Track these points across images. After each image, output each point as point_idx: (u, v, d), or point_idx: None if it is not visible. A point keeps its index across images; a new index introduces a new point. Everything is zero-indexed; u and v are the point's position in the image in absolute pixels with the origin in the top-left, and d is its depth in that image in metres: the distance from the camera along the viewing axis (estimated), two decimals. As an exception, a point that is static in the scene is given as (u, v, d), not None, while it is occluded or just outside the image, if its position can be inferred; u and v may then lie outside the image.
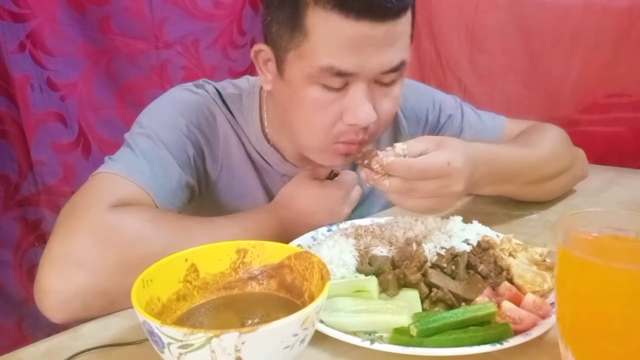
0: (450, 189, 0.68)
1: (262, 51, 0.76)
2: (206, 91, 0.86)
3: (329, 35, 0.67)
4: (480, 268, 0.65)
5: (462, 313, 0.56)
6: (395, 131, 0.98)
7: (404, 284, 0.62)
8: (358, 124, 0.71)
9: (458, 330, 0.55)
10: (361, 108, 0.70)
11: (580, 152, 1.03)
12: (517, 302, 0.59)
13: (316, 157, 0.80)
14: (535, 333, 0.54)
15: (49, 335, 0.60)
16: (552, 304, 0.58)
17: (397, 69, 0.71)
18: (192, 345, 0.40)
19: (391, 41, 0.68)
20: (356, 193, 0.86)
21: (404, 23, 0.69)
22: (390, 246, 0.71)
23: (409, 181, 0.66)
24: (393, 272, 0.63)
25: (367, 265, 0.67)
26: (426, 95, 1.01)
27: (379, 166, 0.67)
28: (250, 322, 0.51)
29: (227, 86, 0.89)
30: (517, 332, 0.54)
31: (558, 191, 0.98)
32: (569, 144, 0.98)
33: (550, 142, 0.91)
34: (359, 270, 0.66)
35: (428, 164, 0.66)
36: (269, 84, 0.78)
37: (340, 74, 0.68)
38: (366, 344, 0.52)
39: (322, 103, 0.71)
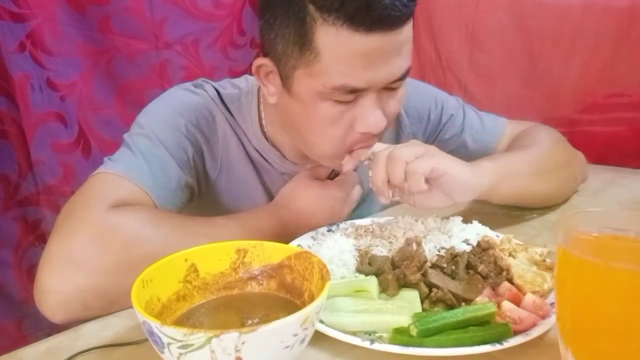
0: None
1: (264, 65, 0.75)
2: (205, 91, 0.86)
3: (341, 54, 0.66)
4: (480, 268, 0.65)
5: (462, 313, 0.56)
6: (397, 129, 0.98)
7: (403, 284, 0.62)
8: (370, 132, 0.73)
9: (458, 330, 0.55)
10: (372, 116, 0.71)
11: (580, 155, 1.03)
12: (517, 302, 0.59)
13: (330, 164, 0.81)
14: (535, 333, 0.54)
15: (49, 335, 0.60)
16: (552, 304, 0.58)
17: (404, 77, 0.72)
18: (192, 345, 0.40)
19: (398, 50, 0.69)
20: (356, 193, 0.86)
21: (409, 29, 0.70)
22: (390, 246, 0.71)
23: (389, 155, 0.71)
24: (393, 272, 0.63)
25: (367, 265, 0.67)
26: (429, 95, 1.01)
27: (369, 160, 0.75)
28: (250, 322, 0.51)
29: (226, 86, 0.89)
30: (517, 332, 0.54)
31: (560, 190, 0.98)
32: (565, 143, 0.99)
33: (546, 139, 0.93)
34: (358, 270, 0.66)
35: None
36: (273, 96, 0.77)
37: (352, 91, 0.69)
38: (366, 344, 0.52)
39: (334, 117, 0.72)
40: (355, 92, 0.70)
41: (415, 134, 0.99)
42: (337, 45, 0.66)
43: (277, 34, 0.70)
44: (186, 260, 0.54)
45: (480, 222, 0.77)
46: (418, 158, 0.70)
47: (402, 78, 0.72)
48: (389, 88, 0.73)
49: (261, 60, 0.75)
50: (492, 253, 0.68)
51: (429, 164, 0.70)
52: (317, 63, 0.67)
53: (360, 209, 0.91)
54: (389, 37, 0.66)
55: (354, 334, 0.55)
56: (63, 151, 1.41)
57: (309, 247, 0.72)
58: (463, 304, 0.60)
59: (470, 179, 0.74)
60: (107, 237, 0.63)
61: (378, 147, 0.75)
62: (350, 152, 0.76)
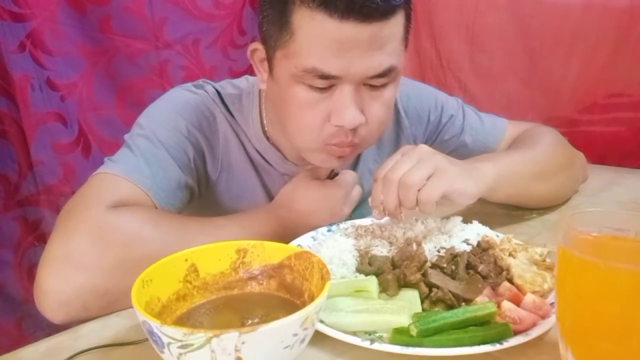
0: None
1: (258, 50, 0.76)
2: (205, 91, 0.86)
3: (314, 36, 0.66)
4: (480, 268, 0.65)
5: (462, 313, 0.56)
6: (397, 130, 0.98)
7: (403, 284, 0.62)
8: (344, 126, 0.71)
9: (458, 330, 0.55)
10: (347, 110, 0.70)
11: (580, 155, 1.03)
12: (517, 302, 0.59)
13: (310, 158, 0.80)
14: (535, 333, 0.54)
15: (49, 335, 0.60)
16: (552, 304, 0.58)
17: (385, 74, 0.70)
18: (192, 345, 0.40)
19: (378, 45, 0.67)
20: (356, 193, 0.86)
21: (393, 26, 0.68)
22: (390, 246, 0.71)
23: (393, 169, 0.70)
24: (393, 272, 0.63)
25: (367, 265, 0.67)
26: (429, 96, 1.01)
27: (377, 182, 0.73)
28: (250, 322, 0.51)
29: (227, 86, 0.89)
30: (517, 332, 0.54)
31: (560, 191, 0.98)
32: (565, 144, 0.99)
33: (547, 140, 0.93)
34: (359, 270, 0.66)
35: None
36: (265, 82, 0.78)
37: (324, 76, 0.68)
38: (366, 344, 0.52)
39: (308, 103, 0.71)
40: (328, 79, 0.68)
41: (415, 135, 0.99)
42: (311, 27, 0.66)
43: (264, 15, 0.72)
44: (186, 260, 0.54)
45: (480, 222, 0.77)
46: (429, 182, 0.69)
47: (382, 75, 0.70)
48: (371, 85, 0.71)
49: (255, 44, 0.77)
50: (492, 253, 0.68)
51: (439, 190, 0.69)
52: (292, 43, 0.68)
53: (360, 209, 0.91)
54: (366, 28, 0.65)
55: (354, 334, 0.55)
56: (63, 151, 1.41)
57: (309, 247, 0.72)
58: (463, 304, 0.60)
59: (474, 189, 0.74)
60: (107, 237, 0.63)
61: (383, 167, 0.73)
62: (328, 145, 0.74)
